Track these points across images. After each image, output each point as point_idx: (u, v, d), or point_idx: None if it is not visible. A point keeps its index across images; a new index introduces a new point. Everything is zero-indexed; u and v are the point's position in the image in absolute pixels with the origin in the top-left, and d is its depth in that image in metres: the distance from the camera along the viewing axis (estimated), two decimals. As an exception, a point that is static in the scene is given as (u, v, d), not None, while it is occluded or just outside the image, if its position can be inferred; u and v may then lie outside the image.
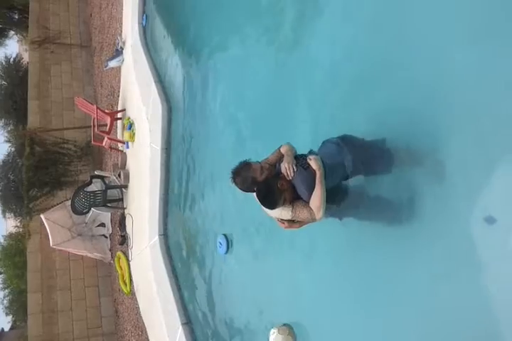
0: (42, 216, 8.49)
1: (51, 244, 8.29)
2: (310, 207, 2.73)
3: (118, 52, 8.96)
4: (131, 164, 8.33)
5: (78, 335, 8.83)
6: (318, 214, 2.70)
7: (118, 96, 9.16)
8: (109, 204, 8.34)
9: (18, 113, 11.85)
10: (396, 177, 2.80)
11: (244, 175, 2.84)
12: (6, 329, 13.84)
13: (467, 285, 2.35)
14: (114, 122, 8.71)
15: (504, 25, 2.25)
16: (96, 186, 8.36)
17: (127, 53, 8.56)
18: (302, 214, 2.77)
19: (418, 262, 2.62)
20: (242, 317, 4.58)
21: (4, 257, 11.46)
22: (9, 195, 10.81)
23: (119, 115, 8.79)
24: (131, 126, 7.98)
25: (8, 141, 11.36)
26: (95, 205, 8.14)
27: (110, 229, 9.42)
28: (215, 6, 5.53)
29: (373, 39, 3.05)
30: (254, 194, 2.82)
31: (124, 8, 8.93)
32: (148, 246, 6.80)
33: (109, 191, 8.18)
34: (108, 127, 8.48)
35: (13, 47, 16.42)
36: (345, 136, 3.01)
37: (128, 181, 8.26)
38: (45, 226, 8.36)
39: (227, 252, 4.77)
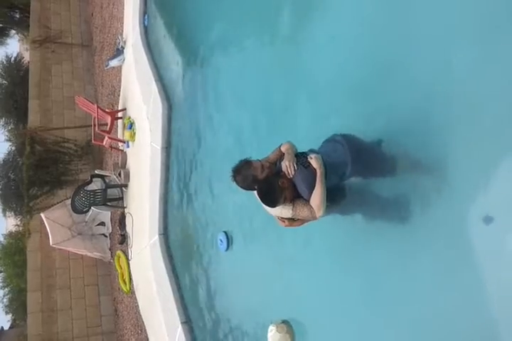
0: (42, 215, 8.49)
1: (51, 243, 8.29)
2: (310, 206, 2.74)
3: (119, 52, 8.97)
4: (131, 163, 8.34)
5: (78, 334, 8.83)
6: (319, 212, 2.72)
7: (119, 95, 9.17)
8: (109, 203, 8.34)
9: (18, 112, 11.85)
10: (396, 176, 2.81)
11: (244, 174, 2.85)
12: (6, 327, 13.83)
13: (467, 285, 2.35)
14: (115, 121, 8.71)
15: (505, 25, 2.26)
16: (96, 185, 8.37)
17: (128, 53, 8.57)
18: (303, 212, 2.78)
19: (418, 261, 2.62)
20: (241, 315, 4.59)
21: (4, 256, 11.44)
22: (9, 193, 10.80)
23: (120, 114, 8.79)
24: (131, 125, 7.99)
25: (9, 140, 11.33)
26: (95, 204, 8.14)
27: (110, 228, 9.42)
28: (215, 5, 5.54)
29: (374, 39, 3.06)
30: (255, 192, 2.83)
31: (125, 7, 8.94)
32: (148, 245, 6.80)
33: (109, 190, 8.19)
34: (108, 126, 8.48)
35: (14, 46, 16.44)
36: (345, 135, 3.02)
37: (128, 180, 8.27)
38: (45, 225, 8.37)
39: (227, 249, 4.78)
